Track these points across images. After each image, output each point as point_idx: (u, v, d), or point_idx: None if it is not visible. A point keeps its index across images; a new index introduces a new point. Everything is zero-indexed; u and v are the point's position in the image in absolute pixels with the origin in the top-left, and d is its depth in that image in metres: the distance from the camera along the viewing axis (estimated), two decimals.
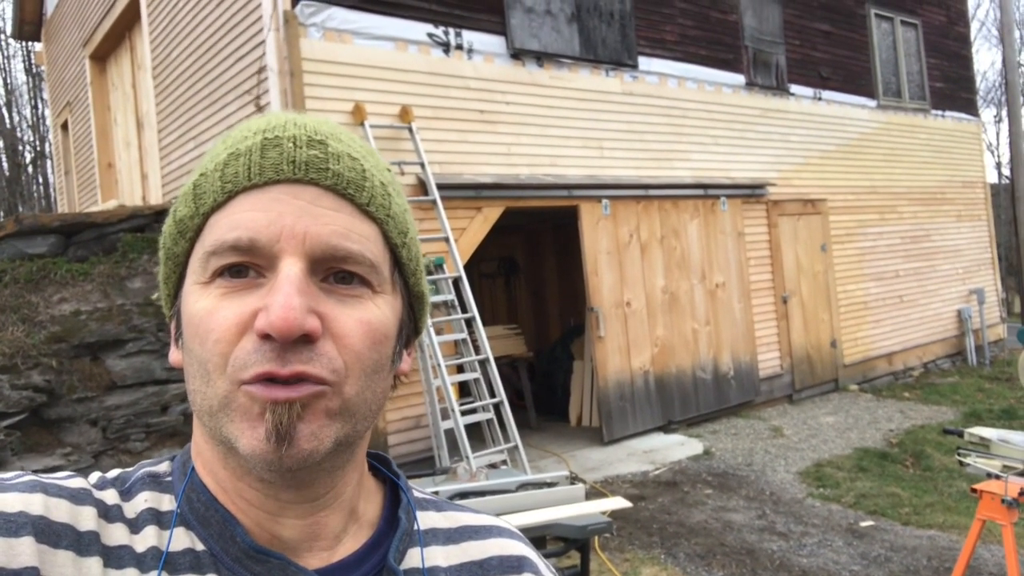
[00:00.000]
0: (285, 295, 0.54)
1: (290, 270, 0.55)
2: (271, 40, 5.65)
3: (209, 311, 0.56)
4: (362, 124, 5.80)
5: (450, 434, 5.45)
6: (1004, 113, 26.28)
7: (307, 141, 0.59)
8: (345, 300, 0.58)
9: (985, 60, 37.58)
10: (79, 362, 4.39)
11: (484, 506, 2.45)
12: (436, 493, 2.32)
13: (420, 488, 0.74)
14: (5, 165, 21.21)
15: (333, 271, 0.58)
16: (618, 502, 2.77)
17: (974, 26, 21.52)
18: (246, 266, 0.56)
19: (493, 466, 5.15)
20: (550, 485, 2.63)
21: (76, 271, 4.70)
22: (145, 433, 4.51)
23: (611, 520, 2.59)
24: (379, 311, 0.59)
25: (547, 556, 2.92)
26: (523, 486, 2.60)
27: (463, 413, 5.47)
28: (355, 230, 0.59)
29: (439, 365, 5.38)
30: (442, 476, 2.97)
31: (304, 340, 0.54)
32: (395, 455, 5.84)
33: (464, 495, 2.49)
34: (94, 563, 0.54)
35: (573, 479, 2.83)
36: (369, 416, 0.60)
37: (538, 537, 2.61)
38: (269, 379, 0.54)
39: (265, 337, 0.54)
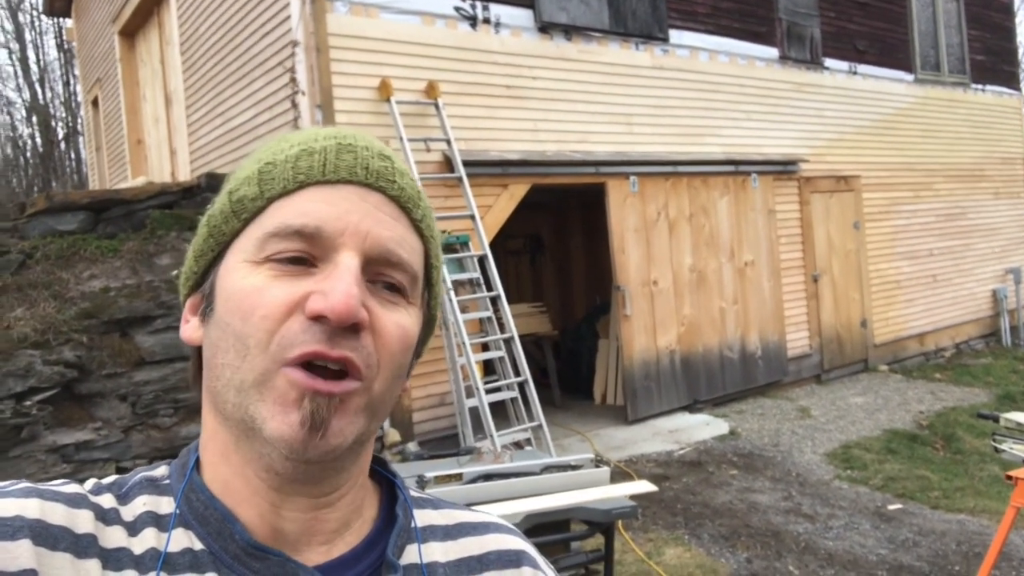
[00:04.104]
0: (347, 283, 0.56)
1: (350, 262, 0.58)
2: (297, 14, 5.61)
3: (259, 288, 0.57)
4: (388, 100, 5.77)
5: (474, 412, 5.46)
6: None
7: (378, 154, 0.64)
8: (385, 303, 0.60)
9: None
10: (109, 338, 4.45)
11: (509, 489, 2.45)
12: (460, 475, 2.31)
13: (417, 489, 0.75)
14: (39, 141, 21.51)
15: (379, 275, 0.60)
16: (643, 486, 2.75)
17: None
18: (301, 255, 0.59)
19: (517, 445, 5.16)
20: (575, 468, 2.62)
21: (105, 248, 4.74)
22: (173, 408, 4.57)
23: (636, 504, 2.57)
24: (411, 320, 0.62)
25: (571, 539, 2.93)
26: (547, 468, 2.59)
27: (487, 391, 5.47)
28: (408, 241, 0.63)
29: (464, 343, 5.37)
30: (466, 457, 2.97)
31: (352, 329, 0.56)
32: (420, 432, 5.87)
33: (489, 477, 2.49)
34: (92, 565, 0.55)
35: (598, 461, 2.81)
36: (383, 417, 0.62)
37: (562, 521, 2.60)
38: (312, 363, 0.56)
39: (316, 320, 0.55)
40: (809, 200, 8.91)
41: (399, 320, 0.60)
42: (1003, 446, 3.55)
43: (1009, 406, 7.31)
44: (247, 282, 0.58)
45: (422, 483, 2.43)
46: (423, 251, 0.65)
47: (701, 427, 7.08)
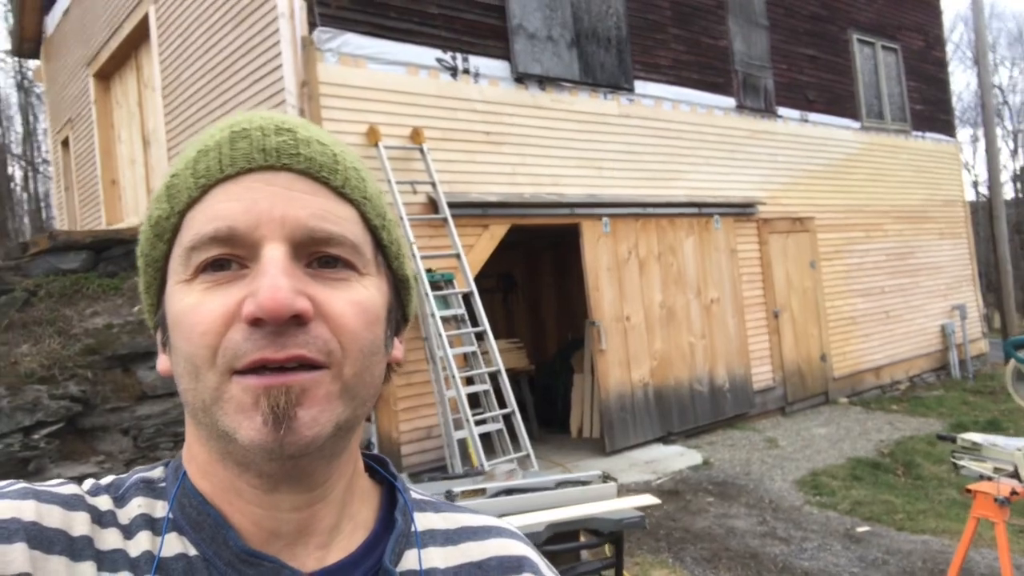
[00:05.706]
0: (271, 277, 0.54)
1: (273, 253, 0.55)
2: (288, 64, 5.86)
3: (194, 306, 0.55)
4: (376, 145, 6.02)
5: (462, 444, 5.64)
6: (980, 133, 27.02)
7: (275, 129, 0.60)
8: (332, 283, 0.57)
9: (960, 81, 38.52)
10: (112, 373, 4.55)
11: (529, 502, 2.66)
12: (484, 490, 2.52)
13: (417, 489, 0.73)
14: None
15: (316, 255, 0.58)
16: (648, 499, 2.98)
17: (949, 48, 22.15)
18: (228, 259, 0.56)
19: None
20: (585, 483, 2.85)
21: (107, 286, 4.87)
22: (173, 442, 4.66)
23: (643, 515, 2.80)
24: (367, 292, 0.59)
25: (582, 548, 3.13)
26: (561, 484, 2.81)
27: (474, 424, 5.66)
28: (333, 212, 0.59)
29: (453, 376, 5.57)
30: (480, 477, 3.17)
31: (296, 323, 0.54)
32: (408, 464, 6.01)
33: (509, 491, 2.70)
34: (87, 568, 0.54)
35: (606, 478, 3.04)
36: (368, 400, 0.60)
37: (572, 531, 2.81)
38: (263, 367, 0.54)
39: (255, 323, 0.53)
40: (767, 240, 9.38)
41: (352, 297, 0.58)
42: (962, 463, 3.87)
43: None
44: (184, 303, 0.56)
45: (451, 498, 2.63)
46: (357, 216, 0.61)
47: (676, 458, 7.33)
